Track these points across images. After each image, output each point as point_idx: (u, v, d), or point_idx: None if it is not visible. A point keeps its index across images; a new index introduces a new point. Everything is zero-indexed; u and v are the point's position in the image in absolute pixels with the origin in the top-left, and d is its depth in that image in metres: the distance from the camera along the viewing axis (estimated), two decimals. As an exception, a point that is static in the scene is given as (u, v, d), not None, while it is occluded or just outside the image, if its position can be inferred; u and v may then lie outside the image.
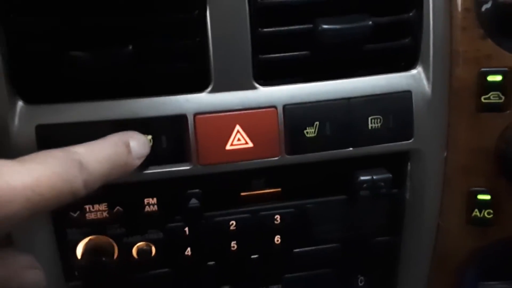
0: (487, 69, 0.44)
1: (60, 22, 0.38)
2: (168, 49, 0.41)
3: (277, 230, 0.47)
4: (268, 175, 0.46)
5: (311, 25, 0.42)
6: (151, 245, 0.45)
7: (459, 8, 0.44)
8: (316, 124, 0.44)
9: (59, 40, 0.39)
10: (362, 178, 0.45)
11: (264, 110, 0.42)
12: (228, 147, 0.42)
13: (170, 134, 0.41)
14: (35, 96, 0.40)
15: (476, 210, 0.48)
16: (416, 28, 0.45)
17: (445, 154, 0.47)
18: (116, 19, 0.39)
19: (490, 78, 0.44)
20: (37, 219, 0.41)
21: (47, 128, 0.39)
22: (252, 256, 0.48)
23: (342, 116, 0.44)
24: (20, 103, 0.40)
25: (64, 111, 0.40)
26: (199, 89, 0.42)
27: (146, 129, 0.40)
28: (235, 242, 0.47)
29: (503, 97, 0.44)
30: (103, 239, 0.44)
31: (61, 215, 0.42)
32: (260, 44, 0.42)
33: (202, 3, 0.40)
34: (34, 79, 0.40)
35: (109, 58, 0.39)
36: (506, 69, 0.43)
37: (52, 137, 0.39)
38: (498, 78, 0.44)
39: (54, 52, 0.39)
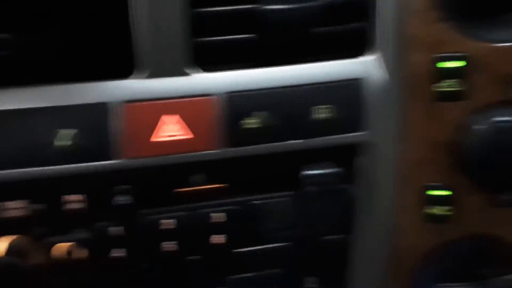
0: (442, 54, 0.41)
1: None
2: (89, 31, 0.37)
3: (218, 228, 0.44)
4: (208, 170, 0.43)
5: (252, 5, 0.39)
6: (77, 246, 0.41)
7: (412, -10, 0.40)
8: (258, 114, 0.40)
9: None
10: (307, 172, 0.42)
11: (198, 98, 0.39)
12: (156, 138, 0.39)
13: (91, 125, 0.37)
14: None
15: (433, 206, 0.45)
16: (367, 10, 0.42)
17: (400, 147, 0.44)
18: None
19: (445, 64, 0.41)
20: None
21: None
22: (191, 257, 0.45)
23: (286, 105, 0.41)
24: None
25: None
26: (126, 75, 0.38)
27: (62, 119, 0.36)
28: (171, 242, 0.43)
29: (460, 86, 0.41)
30: (19, 239, 0.40)
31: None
32: (197, 26, 0.39)
33: None
34: None
35: (26, 41, 0.35)
36: (463, 54, 0.40)
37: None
38: (454, 64, 0.41)
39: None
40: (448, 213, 0.45)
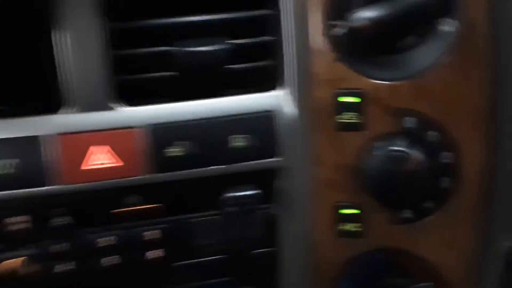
0: (341, 90, 0.46)
1: None
2: (18, 71, 0.42)
3: (153, 244, 0.48)
4: (140, 192, 0.48)
5: (167, 48, 0.44)
6: (24, 262, 0.46)
7: (314, 33, 0.46)
8: (180, 144, 0.45)
9: None
10: (226, 195, 0.47)
11: (123, 130, 0.44)
12: (86, 167, 0.44)
13: (24, 156, 0.42)
14: None
15: (344, 223, 0.50)
16: (274, 51, 0.47)
17: (312, 170, 0.49)
18: None
19: (344, 99, 0.46)
20: None
21: None
22: (130, 271, 0.49)
23: (204, 135, 0.46)
24: None
25: None
26: (55, 110, 0.43)
27: (3, 150, 0.42)
28: (107, 258, 0.48)
29: (357, 118, 0.46)
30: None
31: None
32: (119, 64, 0.44)
33: (54, 23, 0.41)
34: None
35: None
36: (359, 90, 0.45)
37: None
38: (352, 99, 0.46)
39: None
40: (358, 229, 0.49)
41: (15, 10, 0.42)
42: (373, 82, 0.45)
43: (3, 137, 0.42)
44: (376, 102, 0.45)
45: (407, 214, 0.49)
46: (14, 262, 0.46)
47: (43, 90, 0.43)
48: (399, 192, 0.46)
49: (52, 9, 0.42)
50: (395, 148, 0.45)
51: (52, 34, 0.42)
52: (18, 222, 0.45)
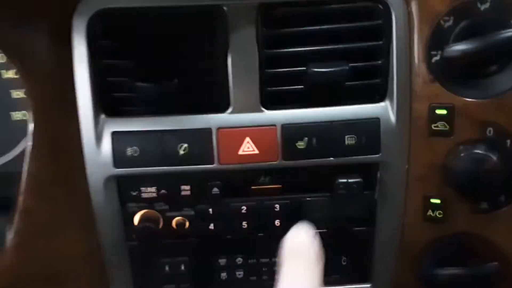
0: (436, 104, 0.58)
1: (134, 64, 0.58)
2: (201, 83, 0.59)
3: (276, 215, 0.63)
4: (272, 174, 0.62)
5: (304, 68, 0.59)
6: (186, 219, 0.63)
7: (416, 59, 0.58)
8: (306, 139, 0.60)
9: (131, 75, 0.58)
10: (340, 180, 0.60)
11: (267, 127, 0.59)
12: (240, 152, 0.59)
13: (200, 142, 0.59)
14: (112, 112, 0.60)
15: (430, 210, 0.61)
16: (383, 72, 0.59)
17: (406, 166, 0.61)
18: (168, 63, 0.58)
19: (438, 111, 0.58)
20: (110, 197, 0.61)
21: (119, 134, 0.59)
22: (259, 234, 0.64)
23: (325, 134, 0.59)
24: (102, 116, 0.59)
25: (131, 123, 0.59)
26: (222, 110, 0.60)
27: (183, 137, 0.59)
28: (246, 222, 0.63)
29: (448, 126, 0.58)
30: (153, 212, 0.62)
31: (124, 193, 0.61)
32: (267, 80, 0.59)
33: (226, 52, 0.58)
34: (113, 100, 0.60)
35: (162, 87, 0.58)
36: (450, 105, 0.57)
37: (121, 141, 0.59)
38: (444, 112, 0.57)
39: (127, 83, 0.59)
40: (441, 216, 0.60)
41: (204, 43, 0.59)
42: (462, 99, 0.56)
43: (188, 127, 0.58)
44: (464, 115, 0.56)
45: (484, 205, 0.58)
46: (175, 220, 0.63)
47: (218, 96, 0.59)
48: (478, 187, 0.56)
49: (228, 47, 0.58)
50: (477, 151, 0.55)
51: (228, 58, 0.58)
52: (185, 189, 0.62)
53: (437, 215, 0.61)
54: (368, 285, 0.68)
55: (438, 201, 0.60)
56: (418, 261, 0.63)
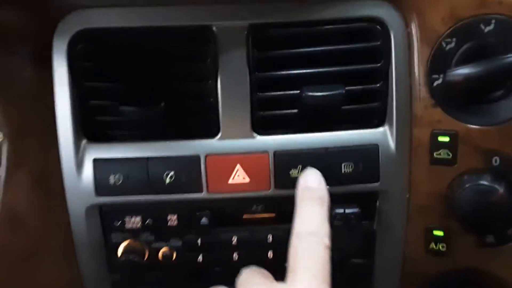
0: (438, 131, 0.55)
1: (118, 87, 0.55)
2: (189, 107, 0.56)
3: (269, 247, 0.60)
4: (264, 203, 0.59)
5: (298, 91, 0.56)
6: (173, 250, 0.60)
7: (416, 83, 0.55)
8: (299, 167, 0.56)
9: (115, 98, 0.55)
10: (336, 211, 0.57)
11: (258, 154, 0.56)
12: (230, 181, 0.56)
13: (187, 170, 0.56)
14: (95, 136, 0.57)
15: (432, 243, 0.58)
16: (382, 95, 0.56)
17: (407, 195, 0.58)
18: (154, 86, 0.55)
19: (440, 138, 0.54)
20: (92, 226, 0.57)
21: (101, 161, 0.56)
22: (251, 266, 0.61)
23: (320, 161, 0.56)
24: (84, 141, 0.56)
25: (114, 148, 0.56)
26: (211, 136, 0.57)
27: (170, 164, 0.55)
28: (236, 253, 0.60)
29: (450, 154, 0.54)
30: (137, 243, 0.59)
31: (107, 222, 0.58)
32: (258, 104, 0.56)
33: (215, 75, 0.55)
34: (95, 124, 0.56)
35: (147, 111, 0.55)
36: (453, 132, 0.54)
37: (104, 168, 0.55)
38: (446, 139, 0.54)
39: (111, 106, 0.56)
40: (444, 249, 0.57)
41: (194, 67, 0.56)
42: (465, 125, 0.53)
43: (175, 154, 0.55)
44: (467, 143, 0.53)
45: (490, 239, 0.56)
46: (162, 251, 0.59)
47: (207, 121, 0.56)
48: (484, 220, 0.53)
49: (218, 70, 0.55)
50: (483, 182, 0.52)
51: (218, 81, 0.55)
52: (172, 219, 0.59)
53: (440, 248, 0.58)
54: (367, 322, 0.64)
55: (441, 233, 0.58)
56: None
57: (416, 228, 0.58)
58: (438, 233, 0.57)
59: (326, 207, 0.47)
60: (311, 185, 0.49)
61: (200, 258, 0.60)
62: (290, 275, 0.42)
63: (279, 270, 0.46)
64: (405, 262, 0.60)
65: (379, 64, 0.56)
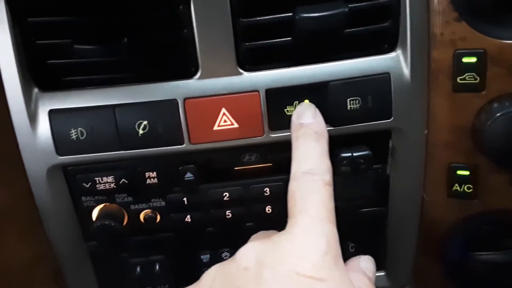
0: (462, 50, 0.45)
1: (69, 22, 0.45)
2: (159, 41, 0.46)
3: (267, 201, 0.52)
4: (258, 151, 0.51)
5: (290, 14, 0.46)
6: (156, 212, 0.52)
7: (435, -8, 0.45)
8: (296, 103, 0.47)
9: (67, 36, 0.45)
10: (342, 155, 0.49)
11: (247, 94, 0.47)
12: (215, 128, 0.47)
13: (163, 118, 0.47)
14: (48, 84, 0.47)
15: (456, 184, 0.50)
16: (394, 12, 0.47)
17: (426, 131, 0.50)
18: (113, 17, 0.45)
19: (465, 59, 0.45)
20: (57, 190, 0.49)
21: (58, 112, 0.46)
22: (247, 224, 0.54)
23: (321, 98, 0.47)
24: (35, 90, 0.47)
25: (73, 97, 0.47)
26: (189, 75, 0.47)
27: (142, 112, 0.46)
28: (229, 211, 0.52)
29: (478, 78, 0.45)
30: (114, 206, 0.51)
31: (75, 185, 0.49)
32: (243, 33, 0.46)
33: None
34: (47, 69, 0.47)
35: (108, 49, 0.46)
36: (481, 50, 0.45)
37: (62, 120, 0.46)
38: (473, 59, 0.45)
39: (63, 46, 0.46)
40: (470, 190, 0.50)
41: None
42: (497, 41, 0.44)
43: (147, 100, 0.46)
44: (499, 62, 0.44)
45: None
46: (144, 213, 0.52)
47: (183, 57, 0.47)
48: None
49: None
50: None
51: (191, 5, 0.45)
52: (150, 177, 0.50)
53: (466, 190, 0.51)
54: (382, 273, 0.60)
55: (466, 172, 0.50)
56: (442, 245, 0.55)
57: (436, 169, 0.51)
58: (463, 172, 0.50)
59: (324, 142, 0.43)
60: (305, 121, 0.45)
61: (188, 218, 0.52)
62: (289, 220, 0.39)
63: (280, 227, 0.40)
64: (424, 209, 0.53)
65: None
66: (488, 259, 0.52)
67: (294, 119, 0.45)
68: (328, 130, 0.48)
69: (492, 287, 0.53)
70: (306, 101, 0.47)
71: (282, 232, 0.38)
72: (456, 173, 0.50)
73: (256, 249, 0.38)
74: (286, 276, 0.34)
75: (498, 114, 0.45)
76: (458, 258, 0.54)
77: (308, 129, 0.44)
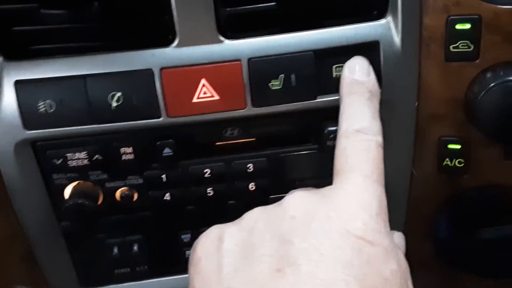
0: (456, 16, 0.43)
1: None
2: (133, 6, 0.43)
3: (250, 177, 0.49)
4: (240, 125, 0.48)
5: None
6: (133, 190, 0.49)
7: (425, -48, 0.42)
8: (281, 77, 0.45)
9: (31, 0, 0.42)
10: (330, 128, 0.47)
11: (229, 63, 0.44)
12: (194, 99, 0.44)
13: (138, 89, 0.44)
14: (14, 53, 0.44)
15: (447, 159, 0.48)
16: None
17: (416, 103, 0.47)
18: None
19: (459, 26, 0.43)
20: (26, 167, 0.46)
21: (25, 83, 0.43)
22: (229, 202, 0.51)
23: (307, 67, 0.45)
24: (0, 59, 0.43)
25: (40, 67, 0.43)
26: (166, 43, 0.44)
27: (115, 83, 0.43)
28: (211, 188, 0.50)
29: (472, 46, 0.43)
30: (88, 184, 0.48)
31: (45, 161, 0.46)
32: None
33: None
34: (12, 37, 0.43)
35: (78, 15, 0.42)
36: (475, 16, 0.42)
37: (30, 92, 0.43)
38: (467, 26, 0.43)
39: (29, 11, 0.42)
40: (461, 165, 0.48)
41: None
42: (492, 6, 0.42)
43: (121, 69, 0.43)
44: (494, 29, 0.42)
45: None
46: (120, 191, 0.49)
47: (158, 23, 0.43)
48: None
49: None
50: None
51: None
52: (126, 153, 0.48)
53: (457, 164, 0.49)
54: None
55: (458, 146, 0.48)
56: (432, 222, 0.53)
57: (427, 143, 0.49)
58: (454, 146, 0.48)
59: (377, 102, 0.42)
60: (359, 77, 0.43)
61: (167, 196, 0.49)
62: (337, 177, 0.37)
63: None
64: (413, 184, 0.51)
65: None
66: (480, 236, 0.51)
67: (346, 73, 0.43)
68: (315, 103, 0.46)
69: (483, 264, 0.52)
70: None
71: (331, 186, 0.36)
72: (447, 147, 0.48)
73: (304, 199, 0.35)
74: (336, 231, 0.32)
75: (491, 85, 0.43)
76: (449, 237, 0.52)
77: (363, 87, 0.42)
